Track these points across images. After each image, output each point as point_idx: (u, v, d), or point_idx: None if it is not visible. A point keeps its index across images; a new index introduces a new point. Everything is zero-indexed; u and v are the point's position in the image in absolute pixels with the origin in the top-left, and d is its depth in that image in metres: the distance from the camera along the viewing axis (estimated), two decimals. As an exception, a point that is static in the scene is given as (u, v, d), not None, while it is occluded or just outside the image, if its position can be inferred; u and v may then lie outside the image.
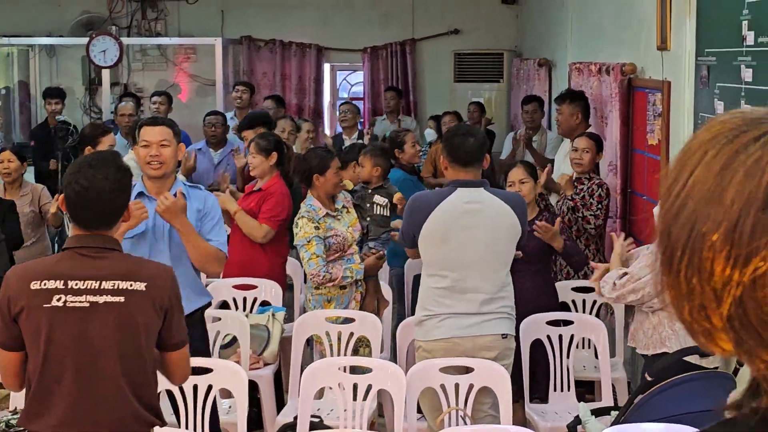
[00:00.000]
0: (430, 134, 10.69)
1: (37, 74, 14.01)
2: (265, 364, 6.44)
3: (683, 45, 6.25)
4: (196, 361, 4.93)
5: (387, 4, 13.98)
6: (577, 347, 6.26)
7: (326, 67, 14.38)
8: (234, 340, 6.16)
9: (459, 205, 5.27)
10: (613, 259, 5.43)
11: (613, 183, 7.69)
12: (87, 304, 3.60)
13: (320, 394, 5.56)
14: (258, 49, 14.06)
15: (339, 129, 11.59)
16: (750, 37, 5.01)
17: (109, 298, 3.61)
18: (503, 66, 13.25)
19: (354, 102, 11.81)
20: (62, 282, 3.58)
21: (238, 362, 5.74)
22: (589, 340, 6.33)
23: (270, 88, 13.91)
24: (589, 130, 8.06)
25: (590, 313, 6.68)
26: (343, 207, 6.60)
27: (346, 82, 15.01)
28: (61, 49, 13.92)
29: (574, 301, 6.79)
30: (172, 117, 10.79)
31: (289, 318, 6.95)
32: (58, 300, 3.57)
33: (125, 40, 13.07)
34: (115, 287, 3.62)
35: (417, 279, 7.30)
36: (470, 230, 5.25)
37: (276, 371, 6.58)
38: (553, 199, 7.60)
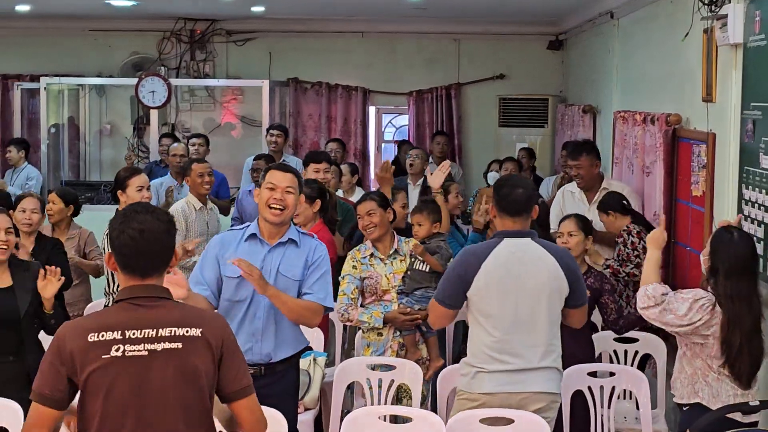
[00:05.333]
0: (494, 177, 10.67)
1: (86, 113, 14.21)
2: (306, 409, 6.44)
3: (729, 97, 6.25)
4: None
5: (432, 49, 14.07)
6: (618, 398, 6.23)
7: (372, 109, 14.45)
8: (275, 384, 6.17)
9: (507, 256, 5.23)
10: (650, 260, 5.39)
11: (656, 233, 7.67)
12: (146, 353, 3.60)
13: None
14: (304, 91, 14.17)
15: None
16: (796, 93, 5.00)
17: (167, 345, 3.62)
18: (548, 111, 13.26)
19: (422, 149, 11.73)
20: (119, 332, 3.58)
21: (279, 407, 5.75)
22: (631, 391, 6.30)
23: (316, 130, 14.05)
24: (628, 180, 8.07)
25: (632, 364, 6.65)
26: (396, 253, 6.62)
27: (392, 125, 15.08)
28: (110, 88, 14.11)
29: (615, 352, 6.76)
30: (214, 158, 10.96)
31: (331, 363, 6.96)
32: (117, 350, 3.57)
33: (174, 81, 13.22)
34: (173, 334, 3.63)
35: (458, 325, 7.33)
36: (519, 282, 5.21)
37: (316, 417, 6.59)
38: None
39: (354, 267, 6.56)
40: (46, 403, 3.60)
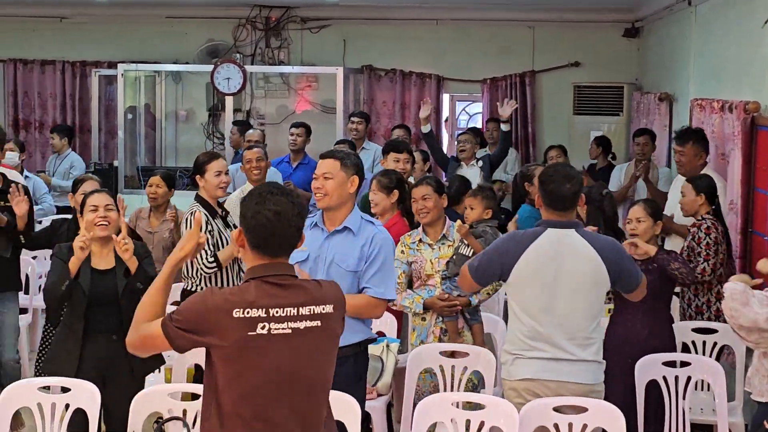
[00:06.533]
0: None
1: (162, 99, 14.37)
2: (378, 395, 6.47)
3: (810, 85, 6.16)
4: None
5: (506, 36, 13.98)
6: (695, 389, 6.17)
7: (445, 97, 14.42)
8: (348, 370, 6.20)
9: (549, 247, 5.23)
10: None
11: (733, 222, 7.59)
12: (289, 331, 3.70)
13: (432, 427, 5.57)
14: (378, 78, 14.17)
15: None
16: None
17: (309, 323, 3.74)
18: (623, 99, 13.13)
19: (474, 130, 11.72)
20: (264, 310, 3.67)
21: (351, 393, 5.77)
22: (708, 383, 6.23)
23: (390, 117, 14.04)
24: (709, 168, 7.96)
25: (710, 356, 6.57)
26: (444, 238, 6.61)
27: (465, 112, 15.04)
28: (186, 75, 14.23)
29: (693, 342, 6.69)
30: (284, 144, 11.01)
31: (403, 349, 6.98)
32: (263, 328, 3.66)
33: (249, 68, 13.30)
34: (312, 312, 3.75)
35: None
36: (558, 274, 5.21)
37: (388, 402, 6.60)
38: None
39: (402, 252, 6.59)
40: (169, 340, 3.73)
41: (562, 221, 5.28)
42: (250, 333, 3.64)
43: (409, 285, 6.63)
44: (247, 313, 3.65)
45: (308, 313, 3.74)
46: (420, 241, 6.60)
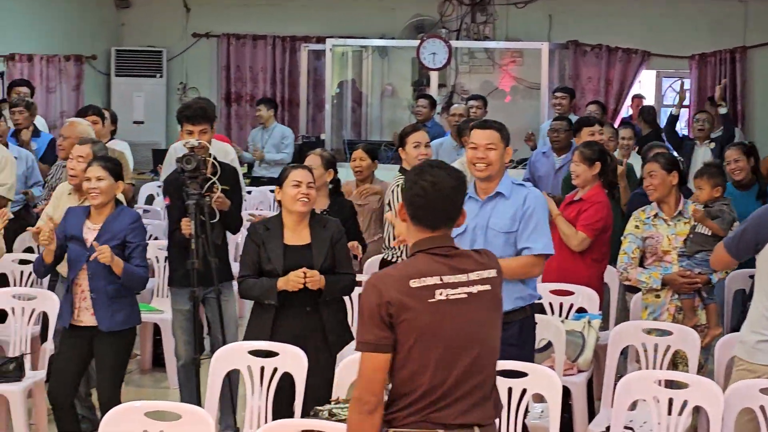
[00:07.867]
0: None
1: (369, 74, 14.60)
2: (579, 371, 6.48)
3: None
4: (511, 365, 5.07)
5: (717, 11, 13.61)
6: None
7: (651, 73, 14.17)
8: (549, 344, 6.23)
9: None
10: None
11: None
12: (465, 296, 3.78)
13: (633, 405, 5.54)
14: (584, 53, 14.03)
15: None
16: None
17: (480, 288, 3.82)
18: (840, 75, 12.68)
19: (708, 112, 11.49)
20: (438, 278, 3.75)
21: (552, 367, 5.80)
22: None
23: (594, 93, 13.87)
24: None
25: None
26: (680, 215, 6.55)
27: (672, 89, 14.74)
28: (392, 50, 14.44)
29: None
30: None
31: (605, 326, 6.95)
32: (441, 294, 3.75)
33: (454, 43, 13.39)
34: (481, 277, 3.83)
35: (737, 293, 7.18)
36: None
37: (588, 379, 6.60)
38: None
39: (636, 227, 6.58)
40: (374, 349, 3.70)
41: None
42: (429, 300, 3.72)
43: (641, 261, 6.61)
44: (423, 281, 3.72)
45: (477, 278, 3.81)
46: (655, 216, 6.58)
